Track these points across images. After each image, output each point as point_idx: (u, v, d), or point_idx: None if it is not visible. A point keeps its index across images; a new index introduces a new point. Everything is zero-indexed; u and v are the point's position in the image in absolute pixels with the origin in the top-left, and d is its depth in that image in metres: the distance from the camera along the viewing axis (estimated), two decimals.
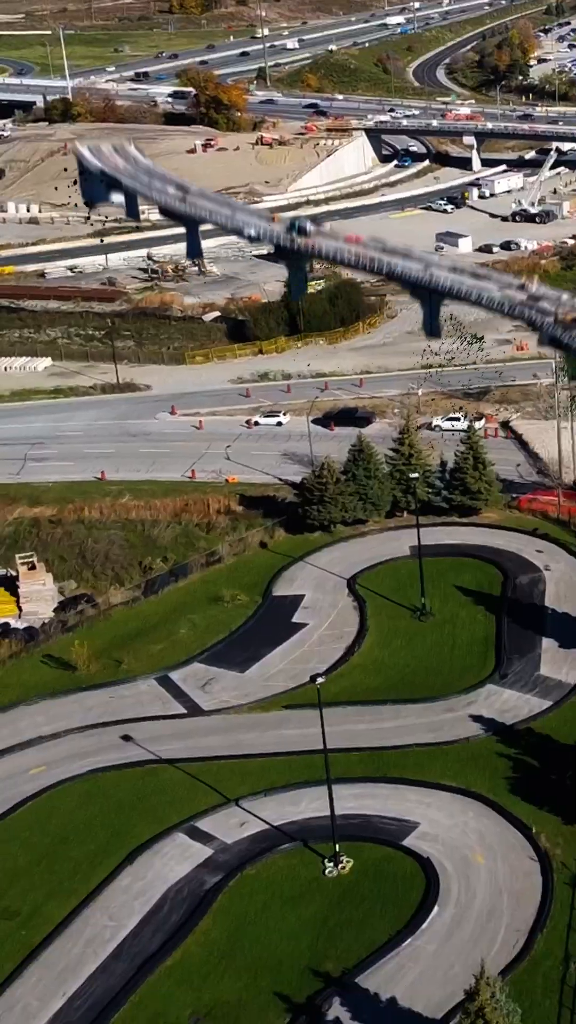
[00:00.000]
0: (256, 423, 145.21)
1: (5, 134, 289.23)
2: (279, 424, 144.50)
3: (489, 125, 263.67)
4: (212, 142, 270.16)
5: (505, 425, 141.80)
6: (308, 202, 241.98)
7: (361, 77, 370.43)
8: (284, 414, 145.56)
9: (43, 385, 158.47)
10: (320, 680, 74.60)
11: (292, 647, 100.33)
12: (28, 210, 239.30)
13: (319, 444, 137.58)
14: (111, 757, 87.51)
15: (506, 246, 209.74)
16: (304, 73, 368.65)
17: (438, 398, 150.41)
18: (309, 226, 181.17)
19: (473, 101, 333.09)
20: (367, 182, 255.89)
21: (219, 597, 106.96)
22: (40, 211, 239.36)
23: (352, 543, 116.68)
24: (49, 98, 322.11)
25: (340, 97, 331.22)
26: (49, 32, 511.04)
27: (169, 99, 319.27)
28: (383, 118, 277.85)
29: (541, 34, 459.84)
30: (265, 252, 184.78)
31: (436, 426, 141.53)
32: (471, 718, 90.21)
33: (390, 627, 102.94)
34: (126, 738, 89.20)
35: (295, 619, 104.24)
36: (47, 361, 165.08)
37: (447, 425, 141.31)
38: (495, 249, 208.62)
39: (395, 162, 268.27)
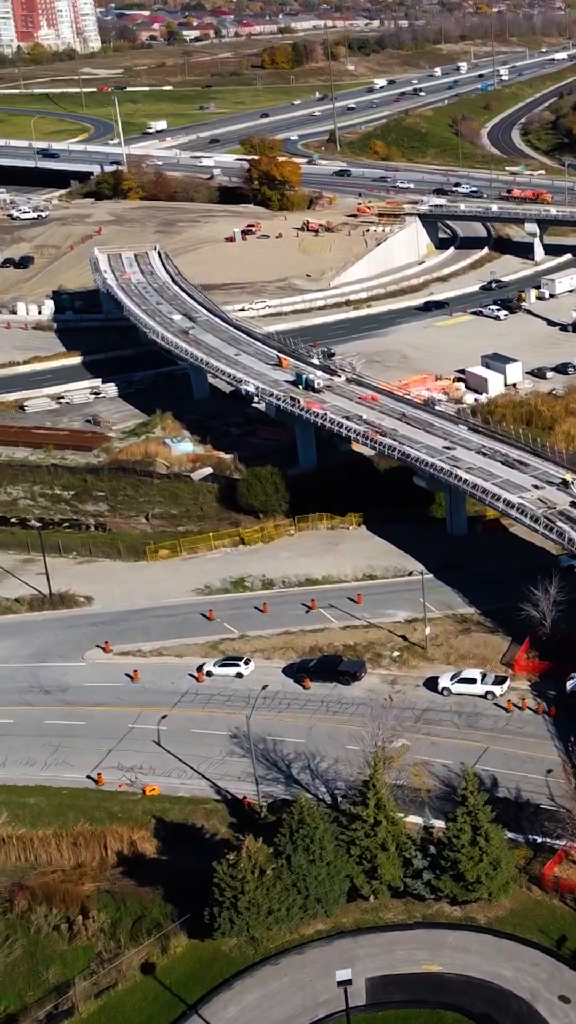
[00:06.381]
0: (209, 673, 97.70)
1: (44, 215, 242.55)
2: (238, 675, 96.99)
3: (553, 211, 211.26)
4: (253, 228, 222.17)
5: (543, 695, 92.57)
6: (348, 303, 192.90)
7: (431, 142, 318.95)
8: (246, 660, 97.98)
9: None
10: None
11: None
12: (40, 312, 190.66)
13: (284, 717, 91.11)
14: None
15: (562, 369, 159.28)
16: (372, 140, 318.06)
17: (454, 631, 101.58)
18: (318, 381, 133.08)
19: (543, 171, 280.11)
20: (416, 275, 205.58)
21: None
22: (52, 315, 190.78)
23: (283, 966, 68.51)
24: (106, 168, 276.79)
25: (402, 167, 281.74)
26: (147, 89, 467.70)
27: (224, 173, 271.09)
28: (438, 202, 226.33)
29: None
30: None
31: (444, 689, 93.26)
32: None
33: None
34: None
35: None
36: None
37: (459, 688, 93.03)
38: (549, 374, 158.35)
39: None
